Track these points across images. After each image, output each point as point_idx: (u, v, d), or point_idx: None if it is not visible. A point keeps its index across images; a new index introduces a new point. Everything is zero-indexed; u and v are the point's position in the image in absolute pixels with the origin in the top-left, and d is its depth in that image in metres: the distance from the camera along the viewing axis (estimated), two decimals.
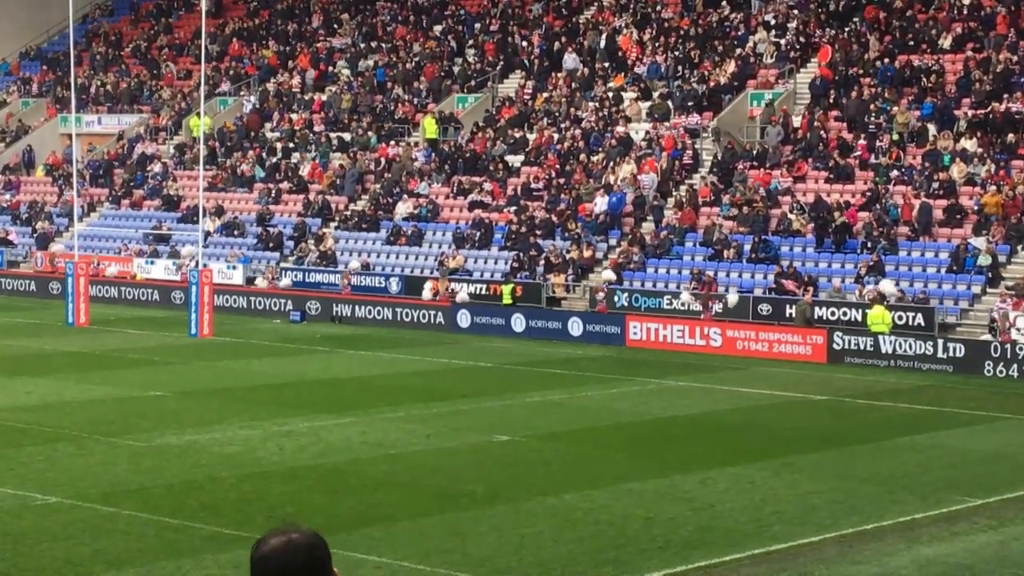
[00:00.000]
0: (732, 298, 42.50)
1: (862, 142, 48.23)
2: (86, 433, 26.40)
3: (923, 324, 39.71)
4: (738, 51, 55.10)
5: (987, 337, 38.48)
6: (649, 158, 50.78)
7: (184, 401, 30.88)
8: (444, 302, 46.75)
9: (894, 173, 46.51)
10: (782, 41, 54.94)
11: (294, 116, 62.96)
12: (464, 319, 45.76)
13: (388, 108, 60.64)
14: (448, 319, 46.03)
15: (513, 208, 51.23)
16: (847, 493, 22.21)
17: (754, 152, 50.15)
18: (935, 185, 45.16)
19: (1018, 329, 38.09)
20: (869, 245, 43.84)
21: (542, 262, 47.71)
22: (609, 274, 45.69)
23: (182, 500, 21.19)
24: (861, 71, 51.31)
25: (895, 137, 47.77)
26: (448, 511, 20.83)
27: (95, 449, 25.01)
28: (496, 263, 49.52)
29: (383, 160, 57.20)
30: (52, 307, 49.84)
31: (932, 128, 47.65)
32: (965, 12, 52.33)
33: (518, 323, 44.89)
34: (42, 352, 39.49)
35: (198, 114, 57.40)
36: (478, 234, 50.66)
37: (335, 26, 69.39)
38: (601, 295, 44.58)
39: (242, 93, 66.11)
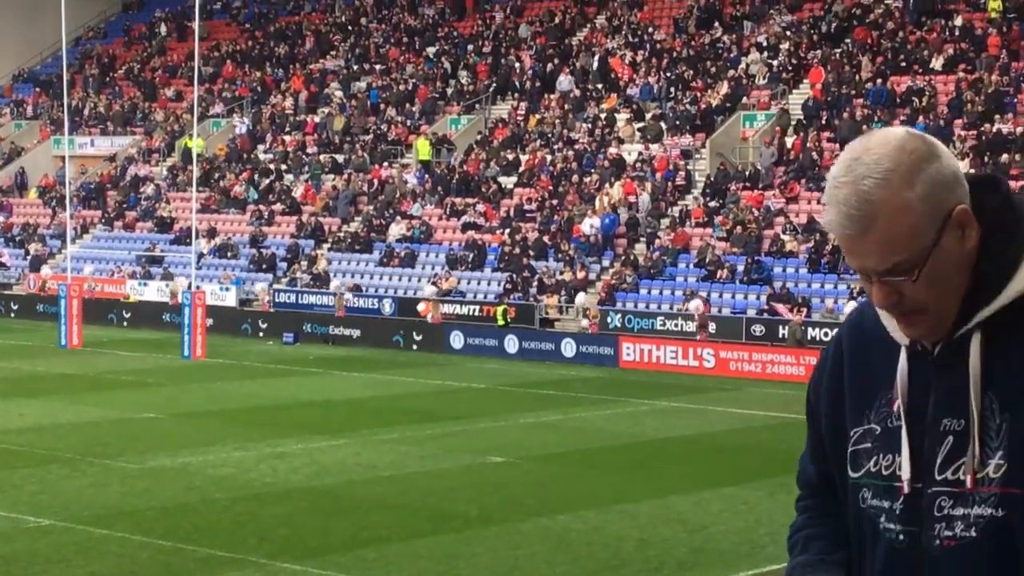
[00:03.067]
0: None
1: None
2: (79, 455, 26.36)
3: None
4: (730, 72, 55.22)
5: None
6: (629, 180, 50.75)
7: (177, 423, 30.84)
8: (436, 321, 46.79)
9: None
10: (774, 62, 55.08)
11: (287, 138, 63.02)
12: (457, 340, 45.76)
13: (381, 129, 60.70)
14: (442, 340, 46.03)
15: (506, 229, 51.27)
16: None
17: (747, 173, 50.24)
18: None
19: None
20: None
21: (535, 283, 47.73)
22: (581, 297, 45.84)
23: (175, 522, 21.15)
24: (853, 92, 51.44)
25: None
26: (442, 533, 20.80)
27: (88, 471, 24.96)
28: (489, 284, 49.53)
29: (376, 181, 57.24)
30: (44, 329, 49.79)
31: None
32: (956, 33, 52.48)
33: (511, 344, 44.89)
34: (35, 374, 39.44)
35: (191, 136, 57.48)
36: (471, 255, 50.68)
37: (328, 48, 69.51)
38: (585, 322, 44.50)
39: (235, 115, 66.17)
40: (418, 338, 46.65)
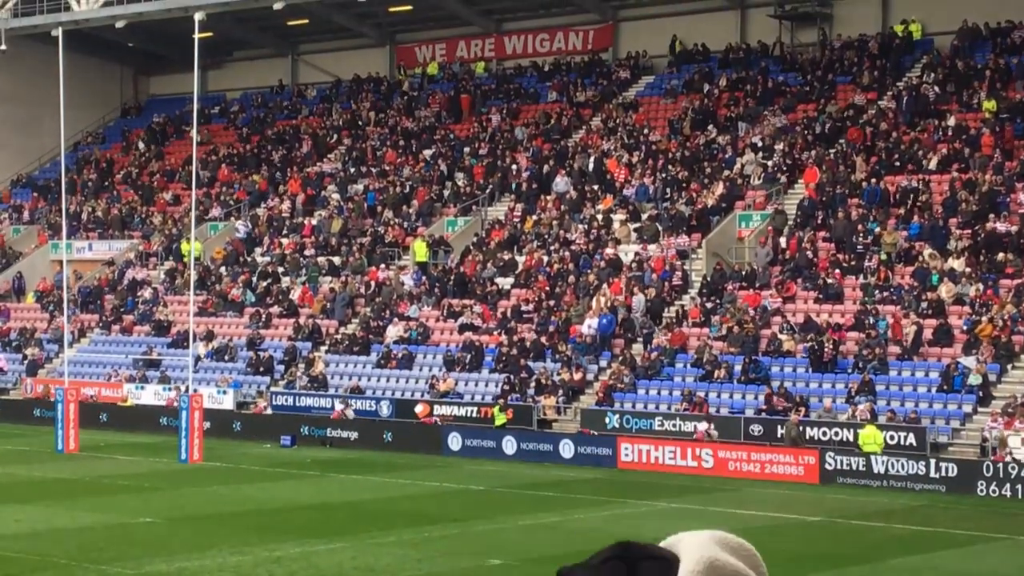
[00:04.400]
0: (702, 427, 42.53)
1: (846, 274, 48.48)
2: (74, 561, 26.21)
3: (915, 444, 39.67)
4: (725, 173, 55.51)
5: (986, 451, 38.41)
6: (616, 280, 50.88)
7: (174, 527, 30.69)
8: (428, 422, 46.72)
9: (884, 293, 46.68)
10: (769, 163, 55.39)
11: (284, 240, 63.22)
12: (455, 442, 45.66)
13: (378, 232, 60.90)
14: (439, 442, 45.93)
15: (503, 330, 51.30)
16: None
17: (743, 273, 50.36)
18: (924, 305, 45.31)
19: (1011, 450, 38.05)
20: (860, 365, 43.90)
21: (533, 384, 47.69)
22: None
23: None
24: (848, 192, 51.70)
25: (883, 257, 48.01)
26: None
27: None
28: (487, 385, 49.48)
29: (373, 283, 57.35)
30: (42, 434, 49.67)
31: (920, 247, 47.92)
32: (950, 133, 52.83)
33: (509, 445, 44.77)
34: (31, 479, 39.30)
35: (188, 239, 57.66)
36: (468, 356, 50.67)
37: (325, 151, 69.92)
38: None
39: (233, 218, 66.43)
40: (416, 440, 46.54)
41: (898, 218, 49.78)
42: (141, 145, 76.81)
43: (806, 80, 60.16)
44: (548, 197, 58.73)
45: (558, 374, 47.83)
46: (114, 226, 69.48)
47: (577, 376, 47.61)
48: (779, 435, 41.55)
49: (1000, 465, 37.02)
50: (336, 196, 64.99)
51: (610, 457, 42.71)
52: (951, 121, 53.33)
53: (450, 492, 37.40)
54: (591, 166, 59.28)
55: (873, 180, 51.74)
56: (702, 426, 42.70)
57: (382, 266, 58.24)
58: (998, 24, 57.17)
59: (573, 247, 54.74)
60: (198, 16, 50.63)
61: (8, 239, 72.34)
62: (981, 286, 45.10)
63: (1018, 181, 49.32)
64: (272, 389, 52.73)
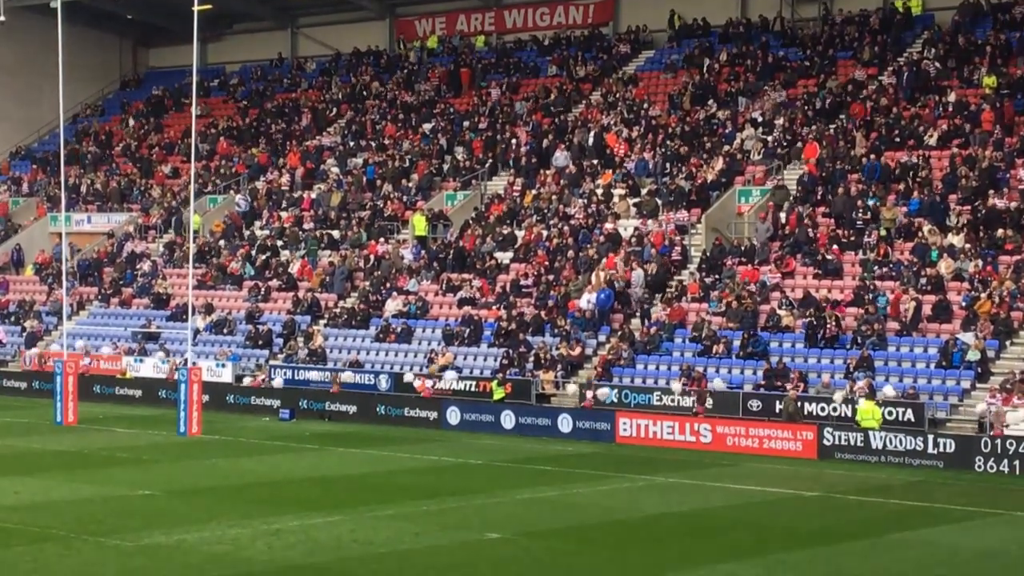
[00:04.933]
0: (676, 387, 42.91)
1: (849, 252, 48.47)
2: (74, 533, 26.24)
3: (913, 419, 39.70)
4: (725, 148, 55.47)
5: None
6: (612, 255, 50.87)
7: (173, 500, 30.73)
8: (427, 395, 46.74)
9: (883, 269, 46.66)
10: (769, 138, 55.34)
11: (283, 214, 63.19)
12: (454, 416, 45.71)
13: (377, 206, 60.85)
14: (438, 416, 45.97)
15: (502, 305, 51.29)
16: None
17: (742, 248, 50.34)
18: (923, 281, 45.29)
19: (1006, 426, 38.08)
20: (858, 340, 43.91)
21: (531, 359, 47.70)
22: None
23: None
24: (848, 167, 51.65)
25: (882, 233, 47.99)
26: None
27: (83, 549, 24.84)
28: (485, 360, 49.50)
29: (372, 257, 57.32)
30: (40, 406, 49.72)
31: (920, 223, 47.89)
32: (950, 109, 52.77)
33: (507, 420, 44.82)
34: (30, 451, 39.32)
35: (188, 212, 57.62)
36: (467, 331, 50.68)
37: (324, 124, 69.85)
38: (591, 394, 44.43)
39: (232, 191, 66.37)
40: (414, 414, 46.58)
41: (898, 194, 49.74)
42: (131, 122, 76.78)
43: (807, 55, 60.10)
44: (547, 171, 58.70)
45: (557, 349, 47.84)
46: (113, 198, 69.43)
47: (576, 351, 47.63)
48: (777, 410, 41.59)
49: (998, 441, 37.04)
50: (335, 170, 64.94)
51: (608, 432, 42.76)
52: (951, 97, 53.28)
53: (448, 466, 37.44)
54: (591, 141, 59.22)
55: (873, 156, 51.71)
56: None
57: (381, 240, 58.22)
58: (999, 0, 57.08)
59: (572, 222, 54.70)
60: None
61: (7, 211, 72.24)
62: (980, 262, 45.08)
63: (1018, 157, 49.27)
64: (271, 362, 52.72)
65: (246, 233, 62.83)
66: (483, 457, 38.90)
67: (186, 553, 24.55)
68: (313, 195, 63.44)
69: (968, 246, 46.00)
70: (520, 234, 55.52)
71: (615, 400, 44.15)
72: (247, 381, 51.73)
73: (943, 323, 44.01)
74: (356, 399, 48.29)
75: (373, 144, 66.02)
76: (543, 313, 49.99)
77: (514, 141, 61.76)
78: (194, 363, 47.49)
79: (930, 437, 38.27)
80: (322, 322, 54.94)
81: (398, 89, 70.22)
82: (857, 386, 41.28)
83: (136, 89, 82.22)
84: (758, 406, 42.32)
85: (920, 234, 47.35)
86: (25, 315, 61.89)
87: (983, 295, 43.57)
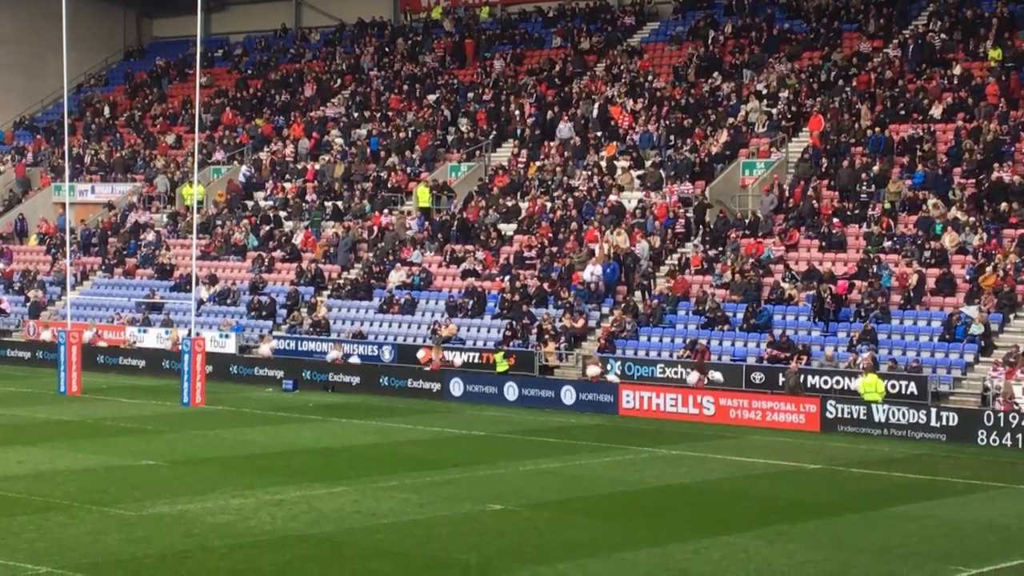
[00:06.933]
0: (692, 378, 42.63)
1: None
2: (77, 502, 26.30)
3: (916, 393, 39.70)
4: (730, 120, 55.38)
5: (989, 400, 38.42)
6: (617, 228, 50.80)
7: (176, 470, 30.79)
8: (436, 368, 46.72)
9: (887, 242, 46.62)
10: (774, 110, 55.23)
11: (287, 185, 63.14)
12: (457, 387, 45.73)
13: (381, 177, 60.80)
14: (441, 388, 45.99)
15: (506, 276, 51.27)
16: (841, 563, 22.12)
17: (746, 221, 50.29)
18: (927, 254, 45.25)
19: (1010, 398, 38.06)
20: (862, 314, 43.88)
21: (535, 330, 47.70)
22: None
23: (174, 570, 21.09)
24: (853, 140, 51.56)
25: (887, 206, 47.94)
26: None
27: (86, 518, 24.90)
28: (489, 331, 49.51)
29: (376, 228, 57.29)
30: (44, 376, 49.77)
31: (924, 195, 47.83)
32: (955, 82, 52.65)
33: (511, 391, 44.85)
34: (34, 421, 39.38)
35: (191, 183, 57.58)
36: (471, 303, 50.68)
37: (328, 95, 69.75)
38: (596, 369, 44.31)
39: (236, 162, 66.31)
40: (417, 385, 46.61)
41: (902, 167, 49.68)
42: (123, 97, 76.73)
43: (811, 27, 59.97)
44: (551, 143, 58.62)
45: (560, 321, 47.84)
46: (117, 169, 69.38)
47: (579, 323, 47.62)
48: (780, 383, 41.59)
49: (1001, 415, 37.05)
50: (339, 141, 64.88)
51: (611, 404, 42.78)
52: (956, 70, 53.15)
53: (452, 437, 37.48)
54: (595, 112, 59.13)
55: (878, 128, 51.62)
56: (692, 378, 42.73)
57: (385, 211, 58.18)
58: None
59: (576, 194, 54.65)
60: None
61: (10, 181, 72.21)
62: (984, 235, 45.03)
63: (1023, 130, 49.17)
64: (275, 333, 52.71)
65: (249, 204, 62.79)
66: (486, 429, 38.93)
67: (189, 523, 24.61)
68: (317, 166, 63.39)
69: (972, 219, 45.94)
70: (524, 206, 55.46)
71: (618, 375, 44.13)
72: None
73: (947, 296, 43.99)
74: (359, 370, 48.31)
75: (377, 115, 65.93)
76: (546, 285, 49.98)
77: (518, 113, 61.65)
78: (198, 334, 47.51)
79: (933, 410, 38.27)
80: (325, 293, 54.94)
81: (402, 60, 70.08)
82: (860, 359, 41.27)
83: (140, 59, 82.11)
84: (761, 379, 42.31)
85: (924, 207, 47.31)
86: (29, 285, 61.91)
87: (987, 268, 43.53)
